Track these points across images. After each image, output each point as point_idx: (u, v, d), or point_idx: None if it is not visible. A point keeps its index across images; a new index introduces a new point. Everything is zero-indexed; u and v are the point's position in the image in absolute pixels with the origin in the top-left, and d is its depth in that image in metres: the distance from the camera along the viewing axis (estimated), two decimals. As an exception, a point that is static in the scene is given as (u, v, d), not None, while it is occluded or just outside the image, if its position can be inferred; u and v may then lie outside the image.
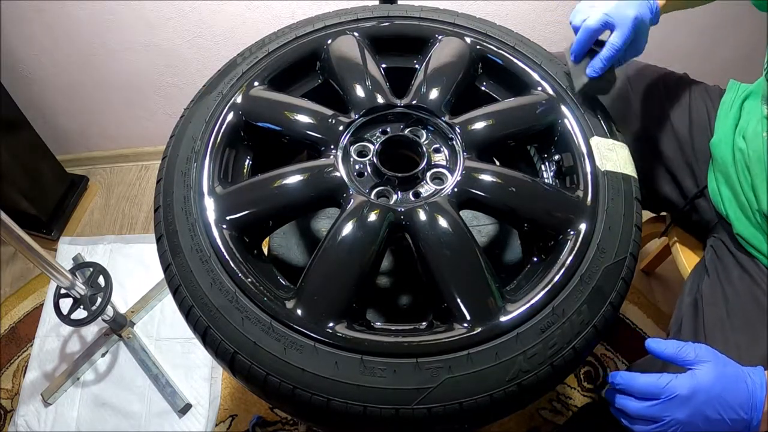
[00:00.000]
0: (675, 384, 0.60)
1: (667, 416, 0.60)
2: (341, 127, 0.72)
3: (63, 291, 1.21)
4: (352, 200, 0.65)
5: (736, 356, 0.63)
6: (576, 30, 0.74)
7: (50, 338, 1.43)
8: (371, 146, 0.72)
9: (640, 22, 0.71)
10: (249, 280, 0.60)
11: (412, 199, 0.68)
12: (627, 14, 0.70)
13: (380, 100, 0.75)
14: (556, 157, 0.76)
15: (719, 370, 0.61)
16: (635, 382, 0.62)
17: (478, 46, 0.81)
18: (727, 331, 0.67)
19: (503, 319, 0.59)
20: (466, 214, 0.68)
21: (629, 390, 0.63)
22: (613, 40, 0.71)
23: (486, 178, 0.68)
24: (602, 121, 0.75)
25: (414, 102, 0.75)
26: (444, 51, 0.80)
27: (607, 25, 0.71)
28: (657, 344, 0.65)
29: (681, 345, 0.63)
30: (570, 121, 0.74)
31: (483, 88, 0.83)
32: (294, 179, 0.67)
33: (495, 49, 0.81)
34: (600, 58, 0.72)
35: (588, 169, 0.70)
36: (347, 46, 0.80)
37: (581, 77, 0.74)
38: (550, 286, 0.61)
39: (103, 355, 1.38)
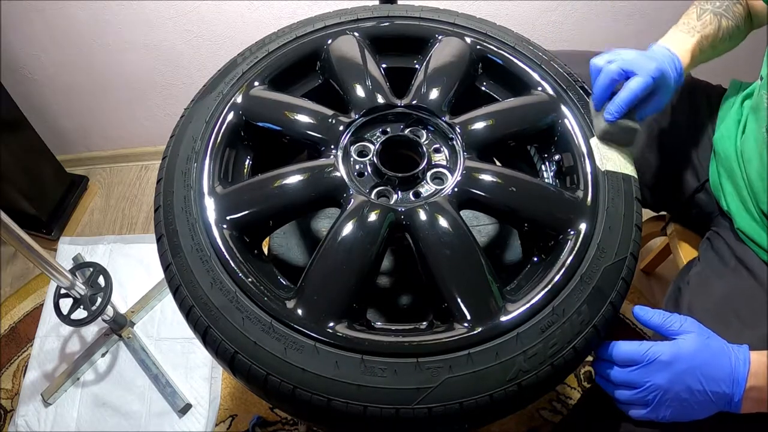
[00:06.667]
0: (655, 350, 0.61)
1: (647, 381, 0.60)
2: (341, 127, 0.72)
3: (63, 291, 1.21)
4: (352, 200, 0.65)
5: None
6: (596, 73, 0.72)
7: (50, 338, 1.43)
8: (371, 146, 0.72)
9: (661, 75, 0.69)
10: (249, 279, 0.60)
11: (413, 199, 0.68)
12: (648, 65, 0.69)
13: (380, 100, 0.75)
14: (557, 157, 0.76)
15: (703, 342, 0.61)
16: (617, 350, 0.63)
17: (478, 46, 0.81)
18: (710, 321, 0.68)
19: (503, 318, 0.59)
20: (467, 214, 0.68)
21: (612, 358, 0.63)
22: (631, 84, 0.68)
23: (486, 178, 0.68)
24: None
25: (414, 102, 0.75)
26: (444, 51, 0.80)
27: (627, 72, 0.69)
28: (644, 312, 0.65)
29: (668, 315, 0.64)
30: (570, 121, 0.74)
31: (483, 88, 0.83)
32: (294, 179, 0.67)
33: (495, 49, 0.81)
34: (615, 102, 0.69)
35: (588, 169, 0.70)
36: (347, 46, 0.80)
37: (600, 123, 0.71)
38: (550, 286, 0.61)
39: (103, 355, 1.38)
